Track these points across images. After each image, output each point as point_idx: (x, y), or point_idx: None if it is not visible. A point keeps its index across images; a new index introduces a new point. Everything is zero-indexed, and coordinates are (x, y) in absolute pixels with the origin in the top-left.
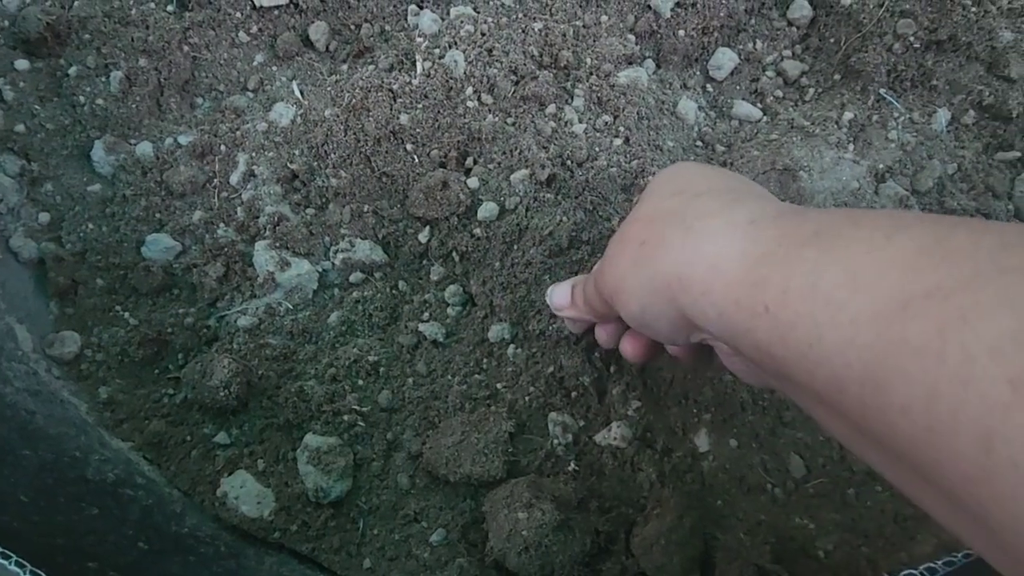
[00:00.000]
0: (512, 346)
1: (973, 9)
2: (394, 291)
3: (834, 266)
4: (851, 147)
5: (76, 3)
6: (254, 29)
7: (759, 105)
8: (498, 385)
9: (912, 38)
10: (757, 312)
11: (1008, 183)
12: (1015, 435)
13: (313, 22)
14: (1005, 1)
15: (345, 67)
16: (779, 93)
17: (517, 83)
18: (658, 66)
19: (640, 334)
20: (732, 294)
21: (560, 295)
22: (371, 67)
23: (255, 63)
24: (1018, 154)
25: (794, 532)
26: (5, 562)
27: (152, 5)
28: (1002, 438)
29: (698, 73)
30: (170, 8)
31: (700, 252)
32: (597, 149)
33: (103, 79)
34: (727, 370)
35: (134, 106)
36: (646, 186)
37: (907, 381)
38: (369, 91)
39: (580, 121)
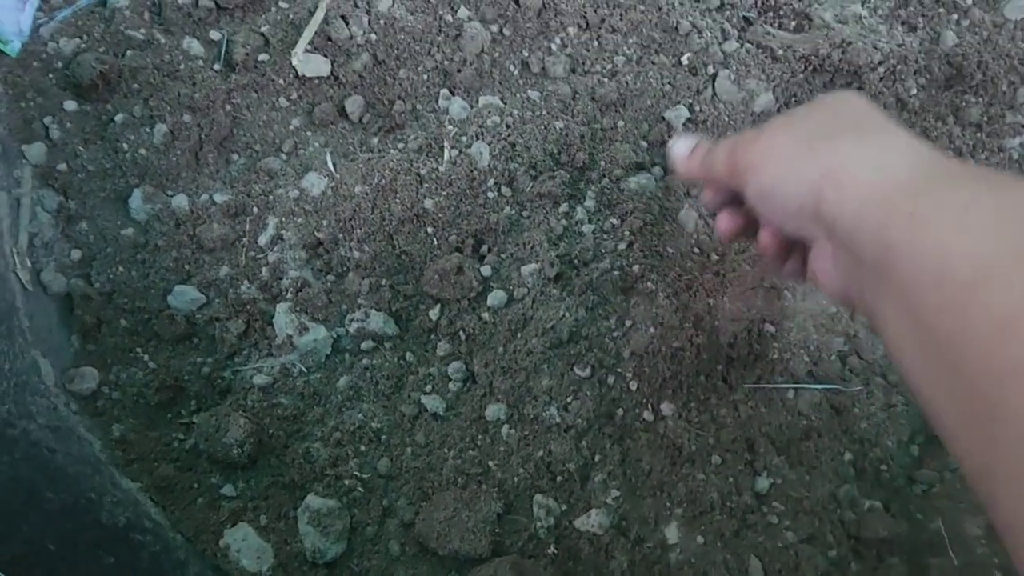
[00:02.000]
0: (507, 426)
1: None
2: (401, 361)
3: (982, 201)
4: None
5: (129, 53)
6: (294, 96)
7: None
8: (490, 463)
9: None
10: (902, 213)
11: None
12: None
13: (350, 95)
14: (983, 156)
15: (376, 140)
16: None
17: (535, 178)
18: (666, 173)
19: (738, 214)
20: (885, 194)
21: (683, 146)
22: (401, 145)
23: (291, 127)
24: None
25: None
26: None
27: (200, 63)
28: None
29: (703, 183)
30: (217, 67)
31: (869, 154)
32: (602, 251)
33: (147, 129)
34: (803, 275)
35: (174, 159)
36: (826, 98)
37: (1011, 291)
38: (399, 174)
39: (589, 221)
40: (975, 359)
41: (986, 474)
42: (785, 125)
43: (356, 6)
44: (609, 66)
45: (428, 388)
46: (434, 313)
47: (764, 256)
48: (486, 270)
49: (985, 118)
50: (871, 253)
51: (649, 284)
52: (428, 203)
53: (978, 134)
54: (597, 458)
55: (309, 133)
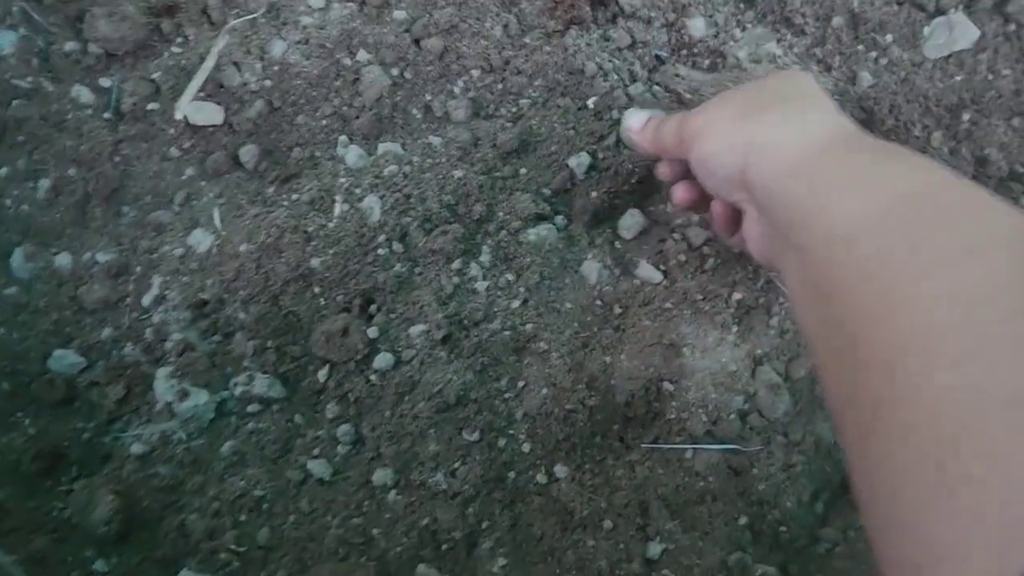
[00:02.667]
0: (394, 491)
1: None
2: (289, 424)
3: (870, 169)
4: (735, 328)
5: (14, 103)
6: (186, 145)
7: (662, 268)
8: (374, 531)
9: None
10: (806, 178)
11: None
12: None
13: (245, 143)
14: None
15: (272, 190)
16: (682, 258)
17: (429, 232)
18: (569, 222)
19: (692, 186)
20: (792, 164)
21: (637, 119)
22: (295, 196)
23: (184, 177)
24: None
25: None
26: None
27: (89, 112)
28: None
29: (608, 231)
30: (107, 115)
31: (787, 129)
32: (495, 310)
33: (31, 184)
34: (743, 243)
35: (59, 215)
36: (770, 75)
37: (878, 245)
38: (285, 231)
39: (484, 278)
40: (847, 303)
41: (848, 402)
42: (726, 98)
43: (249, 52)
44: (514, 109)
45: (316, 452)
46: (323, 374)
47: (715, 225)
48: (373, 331)
49: None
50: (781, 215)
51: (542, 344)
52: (315, 262)
53: None
54: (485, 524)
55: (203, 183)
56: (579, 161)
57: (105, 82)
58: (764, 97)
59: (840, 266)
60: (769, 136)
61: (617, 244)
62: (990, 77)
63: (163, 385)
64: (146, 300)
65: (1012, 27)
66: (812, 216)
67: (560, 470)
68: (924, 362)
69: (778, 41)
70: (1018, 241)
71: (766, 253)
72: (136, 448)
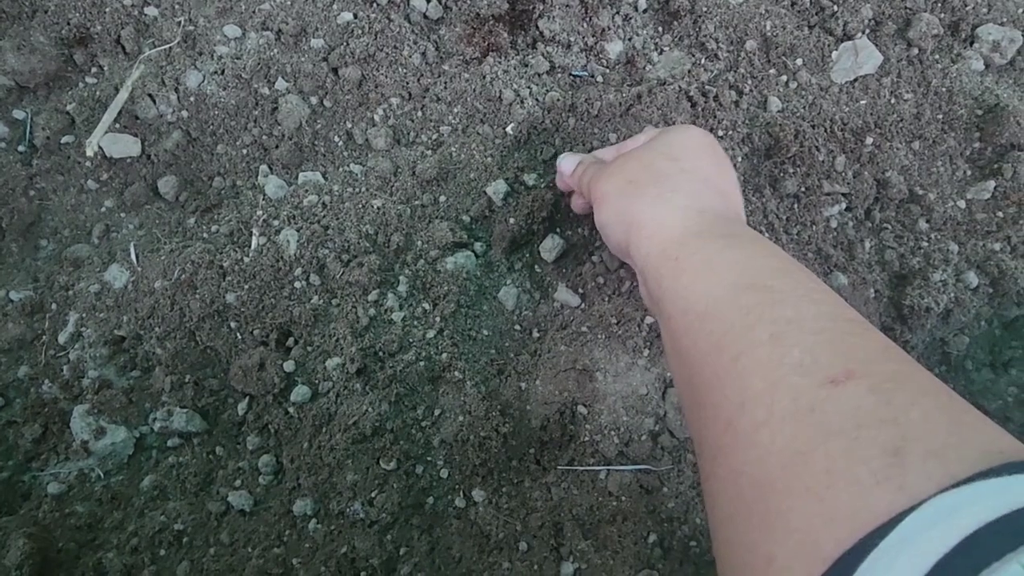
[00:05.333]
0: (314, 520)
1: (768, 235)
2: (211, 456)
3: (720, 255)
4: (646, 352)
5: None
6: (104, 177)
7: (580, 291)
8: (294, 560)
9: None
10: (670, 261)
11: None
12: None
13: (164, 174)
14: (796, 231)
15: (193, 221)
16: (600, 280)
17: (347, 264)
18: (488, 248)
19: None
20: (663, 244)
21: (567, 165)
22: (215, 227)
23: (103, 209)
24: None
25: None
26: None
27: (3, 145)
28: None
29: (527, 255)
30: (21, 148)
31: (658, 213)
32: (410, 340)
33: None
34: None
35: None
36: (663, 132)
37: (722, 322)
38: (200, 267)
39: (400, 308)
40: (701, 367)
41: (698, 449)
42: (619, 169)
43: (163, 84)
44: (434, 136)
45: (237, 483)
46: (242, 407)
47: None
48: (290, 365)
49: (802, 188)
50: (653, 288)
51: (456, 373)
52: (230, 297)
53: (794, 206)
54: (403, 550)
55: (122, 215)
56: (496, 189)
57: (18, 114)
58: (647, 171)
59: (695, 336)
60: (645, 216)
61: (537, 268)
62: (893, 101)
63: (80, 423)
64: (62, 337)
65: (914, 52)
66: (674, 294)
67: (478, 494)
68: (752, 420)
69: (694, 64)
70: (825, 324)
71: (650, 308)
72: (53, 488)
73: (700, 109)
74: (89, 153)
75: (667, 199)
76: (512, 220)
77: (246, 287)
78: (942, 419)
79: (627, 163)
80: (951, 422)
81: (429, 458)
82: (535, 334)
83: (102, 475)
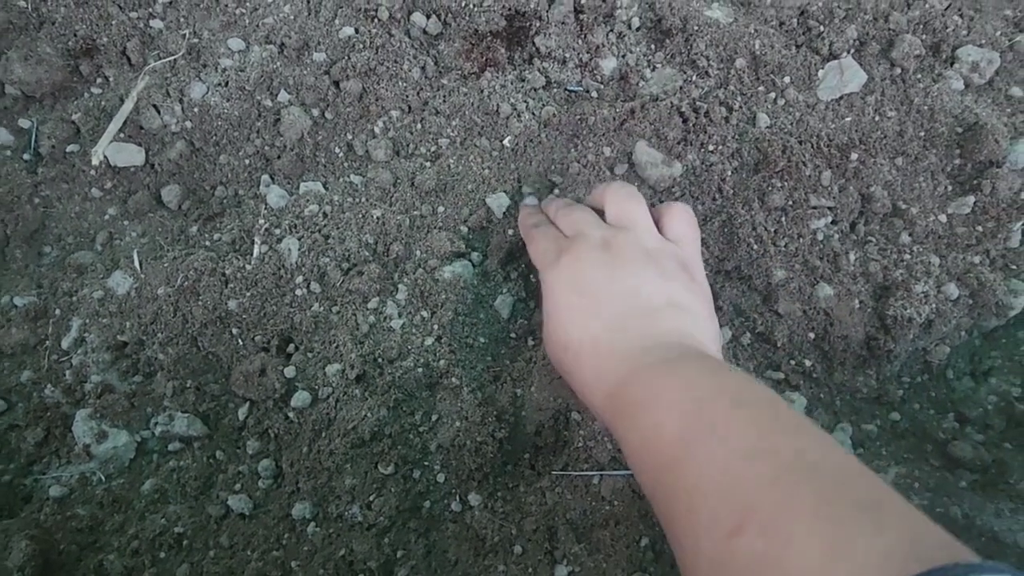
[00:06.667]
0: (312, 524)
1: (756, 247)
2: (211, 460)
3: (677, 395)
4: None
5: None
6: (108, 185)
7: None
8: (293, 563)
9: (705, 263)
10: (620, 410)
11: None
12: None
13: (167, 183)
14: (783, 243)
15: (195, 229)
16: None
17: (347, 272)
18: (485, 257)
19: None
20: (605, 399)
21: (526, 209)
22: (217, 236)
23: (106, 217)
24: (783, 375)
25: None
26: None
27: (8, 153)
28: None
29: (523, 266)
30: (26, 156)
31: (597, 377)
32: (408, 347)
33: None
34: None
35: None
36: (617, 233)
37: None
38: (203, 274)
39: (399, 316)
40: (677, 505)
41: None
42: (566, 273)
43: (168, 95)
44: (433, 148)
45: (237, 487)
46: (243, 412)
47: None
48: (291, 371)
49: (789, 202)
50: (611, 429)
51: (454, 379)
52: (232, 304)
53: (781, 219)
54: (400, 553)
55: (125, 223)
56: (498, 201)
57: (24, 123)
58: (584, 338)
59: (673, 476)
60: (587, 383)
61: (532, 277)
62: (876, 118)
63: (82, 427)
64: (65, 343)
65: (897, 71)
66: (634, 438)
67: (473, 498)
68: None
69: (686, 80)
70: (729, 468)
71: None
72: (55, 491)
73: (691, 124)
74: (95, 162)
75: (598, 365)
76: (511, 232)
77: (248, 294)
78: (816, 547)
79: (575, 268)
80: (824, 551)
81: (426, 463)
82: (530, 342)
83: (103, 479)
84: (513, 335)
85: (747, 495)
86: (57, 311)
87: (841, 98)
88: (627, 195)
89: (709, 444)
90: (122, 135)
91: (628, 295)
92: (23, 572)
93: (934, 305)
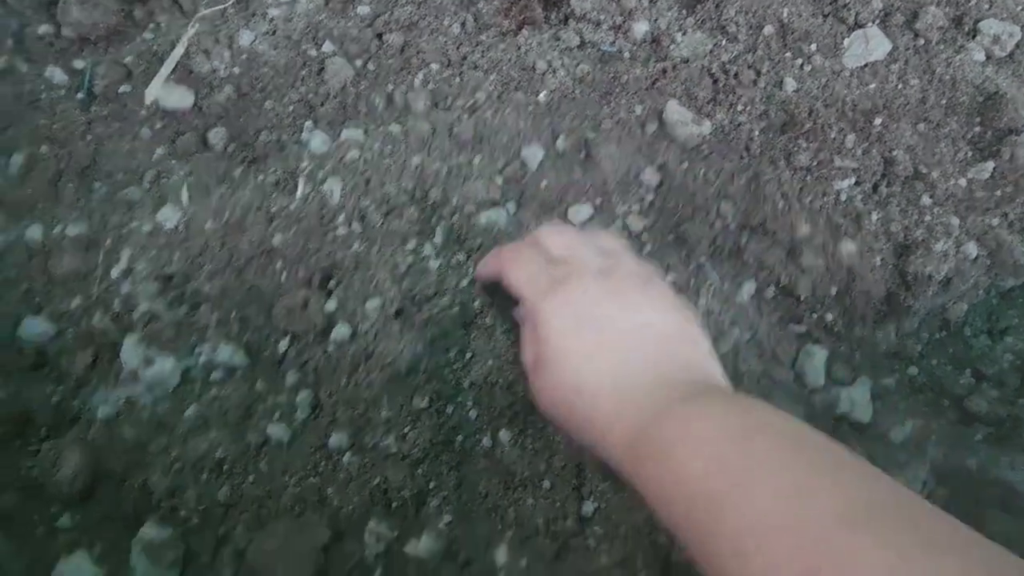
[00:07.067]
0: (348, 454)
1: (782, 203)
2: (251, 390)
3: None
4: None
5: None
6: (157, 126)
7: None
8: (329, 490)
9: (731, 218)
10: (643, 456)
11: (793, 353)
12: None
13: (214, 126)
14: (808, 200)
15: (239, 171)
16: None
17: (387, 214)
18: (519, 207)
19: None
20: (627, 444)
21: (488, 264)
22: (260, 177)
23: (155, 156)
24: (804, 329)
25: None
26: None
27: (62, 93)
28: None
29: (555, 217)
30: (80, 96)
31: (617, 420)
32: (445, 287)
33: (4, 159)
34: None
35: (30, 190)
36: (603, 277)
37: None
38: (249, 210)
39: (436, 257)
40: (720, 548)
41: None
42: (556, 382)
43: (217, 41)
44: (470, 101)
45: (276, 416)
46: (283, 344)
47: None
48: (331, 305)
49: (814, 162)
50: (631, 475)
51: (487, 319)
52: (277, 240)
53: (807, 178)
54: (432, 484)
55: (172, 163)
56: (533, 154)
57: (78, 64)
58: (589, 387)
59: (709, 519)
60: (605, 433)
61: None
62: (900, 86)
63: (130, 352)
64: (115, 272)
65: (921, 42)
66: (665, 483)
67: (504, 435)
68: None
69: (715, 46)
70: (784, 520)
71: None
72: (102, 411)
73: (721, 85)
74: (148, 101)
75: (613, 411)
76: (545, 183)
77: (292, 231)
78: None
79: (579, 300)
80: None
81: (459, 399)
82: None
83: (149, 402)
84: None
85: (811, 537)
86: (108, 242)
87: (866, 66)
88: (562, 229)
89: (753, 483)
90: (172, 78)
91: (641, 329)
92: (73, 484)
93: (953, 263)
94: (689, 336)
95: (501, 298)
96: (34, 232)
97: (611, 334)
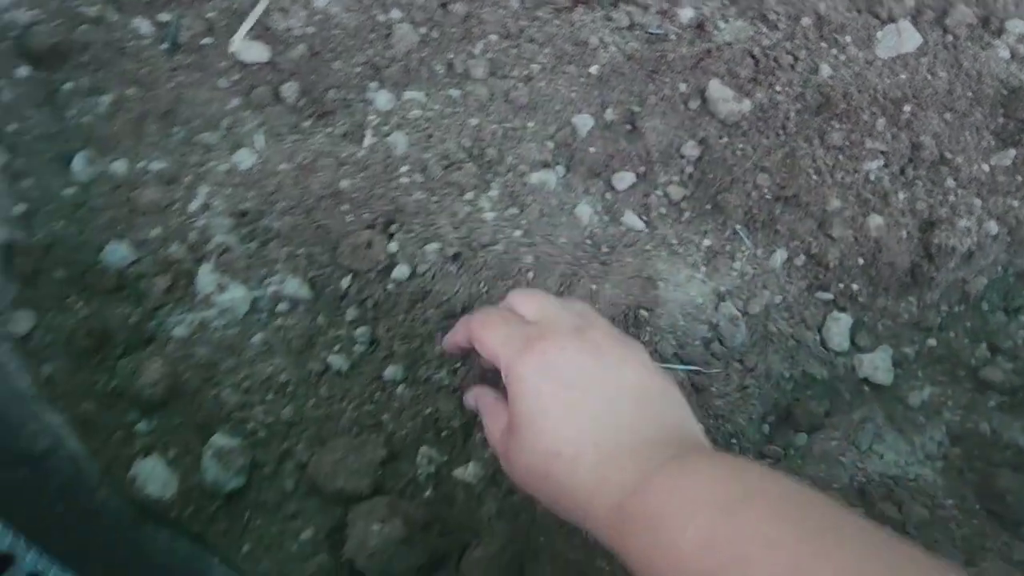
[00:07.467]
0: (402, 386)
1: (815, 177)
2: (313, 323)
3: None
4: (703, 269)
5: (81, 28)
6: (234, 77)
7: (644, 218)
8: (384, 416)
9: (766, 190)
10: (630, 525)
11: (820, 318)
12: None
13: (287, 81)
14: (840, 176)
15: (307, 124)
16: (663, 211)
17: (446, 168)
18: (568, 171)
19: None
20: (610, 511)
21: (470, 404)
22: (329, 129)
23: (229, 106)
24: (831, 296)
25: (594, 573)
26: None
27: (147, 42)
28: None
29: (600, 183)
30: (164, 46)
31: (600, 485)
32: (499, 236)
33: (94, 99)
34: None
35: (117, 128)
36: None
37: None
38: (320, 155)
39: (491, 209)
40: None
41: None
42: (531, 453)
43: (295, 1)
44: (525, 72)
45: (336, 348)
46: (345, 282)
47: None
48: (393, 246)
49: (847, 142)
50: (614, 544)
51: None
52: (345, 183)
53: (839, 156)
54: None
55: (246, 113)
56: (583, 122)
57: (163, 17)
58: (560, 468)
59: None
60: (584, 502)
61: (608, 195)
62: (929, 77)
63: (206, 278)
64: (192, 206)
65: (950, 37)
66: (654, 554)
67: None
68: None
69: (755, 32)
70: (817, 555)
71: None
72: (179, 331)
73: (761, 66)
74: (232, 49)
75: (592, 487)
76: (593, 149)
77: (359, 176)
78: None
79: (555, 357)
80: None
81: None
82: (604, 249)
83: (221, 325)
84: (589, 241)
85: None
86: (187, 178)
87: (897, 57)
88: (533, 292)
89: (748, 562)
90: (252, 34)
91: (621, 386)
92: (154, 389)
93: (975, 239)
94: (672, 397)
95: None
96: (119, 166)
97: (591, 393)
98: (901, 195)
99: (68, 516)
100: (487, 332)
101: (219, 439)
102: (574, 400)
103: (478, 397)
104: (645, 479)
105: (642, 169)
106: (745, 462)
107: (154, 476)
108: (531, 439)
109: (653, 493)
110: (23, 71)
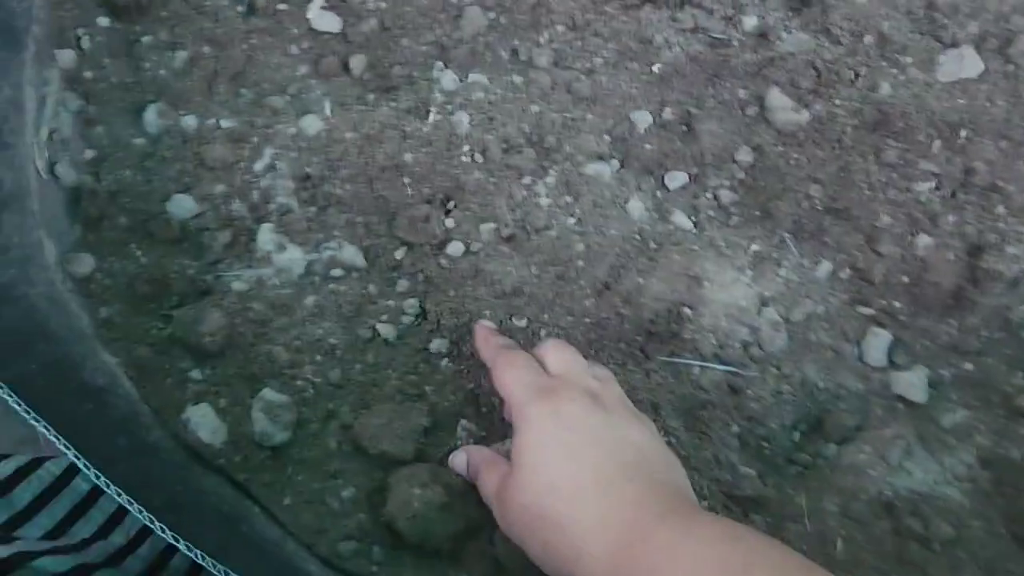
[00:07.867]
0: (446, 359)
1: (867, 193)
2: (364, 291)
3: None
4: (749, 273)
5: None
6: (305, 45)
7: (693, 219)
8: (427, 387)
9: (817, 201)
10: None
11: (860, 333)
12: None
13: (356, 53)
14: (891, 194)
15: (372, 97)
16: (711, 213)
17: (506, 151)
18: (622, 165)
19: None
20: (607, 555)
21: (458, 465)
22: (393, 103)
23: (298, 73)
24: (873, 312)
25: None
26: (35, 423)
27: (226, 2)
28: None
29: (652, 180)
30: (240, 8)
31: (599, 522)
32: (553, 222)
33: (170, 53)
34: None
35: (190, 83)
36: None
37: None
38: (386, 127)
39: (547, 196)
40: None
41: None
42: (522, 514)
43: None
44: (588, 65)
45: (384, 317)
46: (399, 253)
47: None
48: (450, 222)
49: (901, 161)
50: None
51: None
52: (408, 157)
53: (892, 174)
54: None
55: (313, 81)
56: (642, 117)
57: None
58: (558, 519)
59: None
60: (577, 557)
61: (659, 193)
62: (987, 104)
63: (266, 236)
64: (258, 166)
65: (1011, 67)
66: None
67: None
68: None
69: (818, 46)
70: None
71: None
72: (236, 285)
73: (822, 79)
74: (308, 15)
75: (584, 544)
76: (648, 147)
77: (422, 151)
78: None
79: (565, 409)
80: None
81: (552, 324)
82: (652, 245)
83: (277, 284)
84: (638, 236)
85: None
86: (254, 139)
87: (957, 82)
88: (564, 347)
89: None
90: (325, 3)
91: (625, 442)
92: (213, 337)
93: (1022, 266)
94: (674, 462)
95: None
96: (190, 121)
97: (594, 442)
98: (951, 218)
99: (130, 450)
100: (509, 373)
101: (268, 393)
102: (578, 442)
103: (471, 454)
104: (647, 528)
105: (695, 170)
106: (743, 528)
107: (205, 422)
108: (530, 475)
109: (656, 547)
110: (104, 21)
